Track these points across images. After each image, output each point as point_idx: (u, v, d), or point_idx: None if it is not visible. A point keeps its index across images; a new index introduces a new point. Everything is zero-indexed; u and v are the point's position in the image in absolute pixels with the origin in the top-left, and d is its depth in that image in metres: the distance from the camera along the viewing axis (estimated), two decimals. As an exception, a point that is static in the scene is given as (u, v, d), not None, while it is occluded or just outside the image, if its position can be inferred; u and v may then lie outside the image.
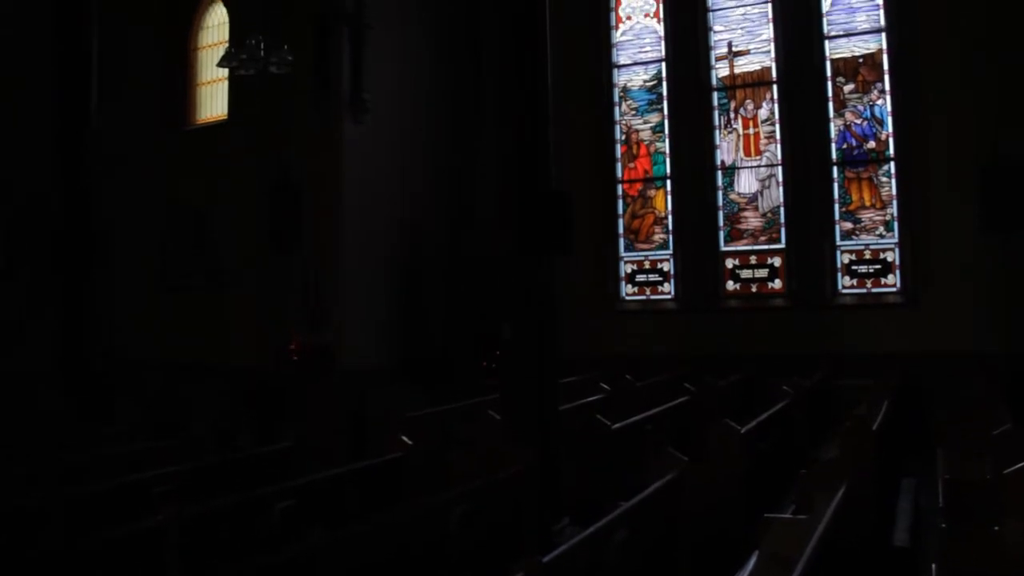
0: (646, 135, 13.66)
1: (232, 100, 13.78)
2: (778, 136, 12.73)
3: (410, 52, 13.23)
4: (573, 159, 11.90)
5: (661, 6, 13.60)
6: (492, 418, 7.82)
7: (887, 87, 12.10)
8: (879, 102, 12.17)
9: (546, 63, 7.46)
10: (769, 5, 12.83)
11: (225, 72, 13.00)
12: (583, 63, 13.55)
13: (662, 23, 13.58)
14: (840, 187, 12.30)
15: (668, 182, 13.39)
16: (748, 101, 12.97)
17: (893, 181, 12.00)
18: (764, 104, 12.86)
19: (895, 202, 11.97)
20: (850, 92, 12.32)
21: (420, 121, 13.29)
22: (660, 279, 13.38)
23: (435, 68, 13.65)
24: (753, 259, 12.78)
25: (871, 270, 12.02)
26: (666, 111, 13.47)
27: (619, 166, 13.74)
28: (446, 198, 13.66)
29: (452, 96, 13.86)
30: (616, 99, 13.83)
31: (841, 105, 12.35)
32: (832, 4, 12.49)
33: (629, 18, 13.87)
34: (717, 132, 13.10)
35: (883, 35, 12.17)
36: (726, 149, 13.07)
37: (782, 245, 12.64)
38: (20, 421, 9.40)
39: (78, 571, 4.11)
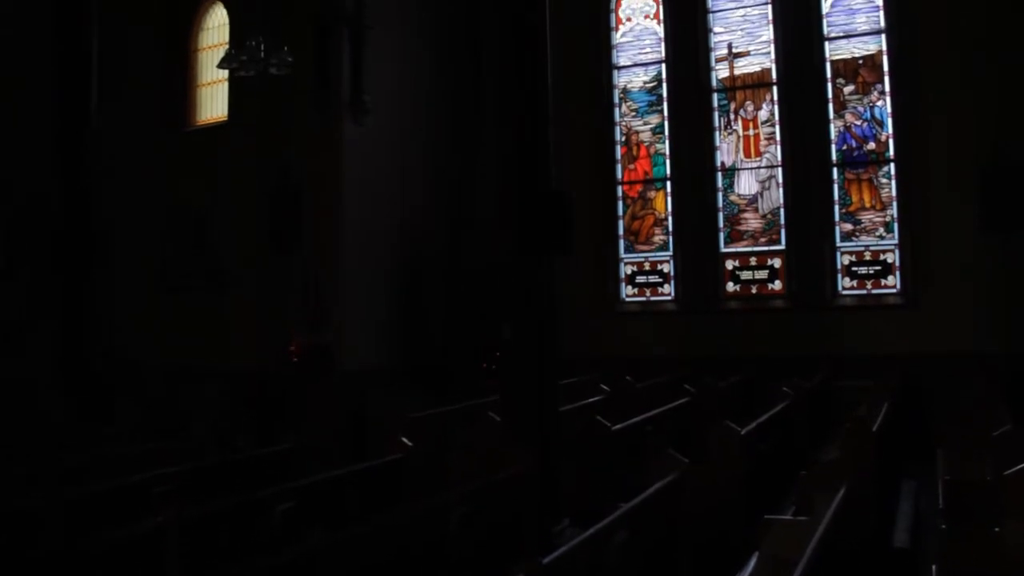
0: (646, 136, 13.66)
1: (232, 101, 13.77)
2: (778, 137, 12.73)
3: (410, 53, 13.23)
4: (573, 160, 11.91)
5: (661, 7, 13.60)
6: (492, 419, 7.82)
7: (887, 88, 12.10)
8: (879, 103, 12.18)
9: (546, 64, 7.46)
10: (769, 7, 12.84)
11: (225, 73, 12.99)
12: (583, 64, 13.55)
13: (662, 24, 13.58)
14: (840, 188, 12.31)
15: (668, 183, 13.39)
16: (748, 102, 12.97)
17: (893, 182, 12.00)
18: (764, 105, 12.87)
19: (895, 203, 11.97)
20: (850, 93, 12.33)
21: (420, 122, 13.29)
22: (660, 280, 13.38)
23: (435, 69, 13.65)
24: (753, 260, 12.78)
25: (871, 271, 12.02)
26: (666, 112, 13.47)
27: (619, 167, 13.75)
28: (446, 199, 13.66)
29: (452, 96, 13.86)
30: (616, 100, 13.83)
31: (841, 106, 12.36)
32: (832, 6, 12.49)
33: (629, 19, 13.88)
34: (717, 133, 13.11)
35: (883, 36, 12.17)
36: (726, 150, 13.07)
37: (782, 246, 12.64)
38: (20, 421, 9.40)
39: (78, 572, 4.11)
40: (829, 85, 12.38)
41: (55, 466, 6.54)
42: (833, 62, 12.41)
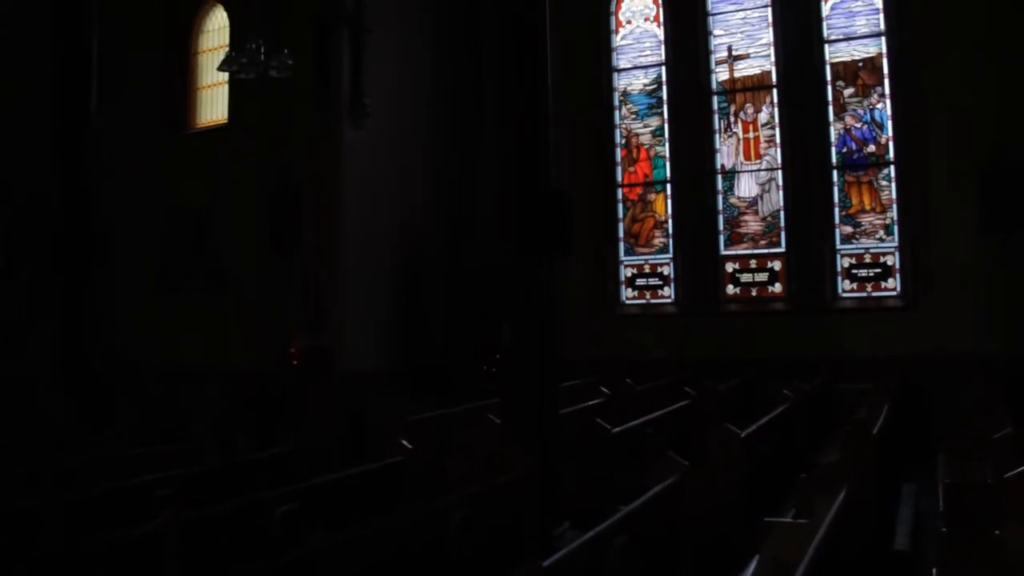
0: (646, 139, 13.67)
1: (232, 104, 13.79)
2: (778, 140, 12.73)
3: (410, 53, 13.24)
4: (573, 163, 11.90)
5: (661, 10, 13.61)
6: (492, 422, 7.82)
7: (887, 91, 12.11)
8: (879, 106, 12.18)
9: (546, 64, 7.46)
10: (769, 9, 12.85)
11: (225, 76, 13.00)
12: (583, 67, 13.56)
13: (662, 27, 13.59)
14: (840, 191, 12.31)
15: (668, 186, 13.39)
16: (748, 105, 12.98)
17: (893, 185, 12.01)
18: (764, 108, 12.87)
19: (895, 206, 11.97)
20: (850, 96, 12.34)
21: (420, 122, 13.30)
22: (660, 283, 13.38)
23: (435, 69, 13.66)
24: (753, 263, 12.78)
25: (871, 274, 12.03)
26: (666, 115, 13.48)
27: (619, 170, 13.75)
28: (446, 199, 13.67)
29: (452, 97, 13.87)
30: (616, 103, 13.84)
31: (841, 109, 12.36)
32: (832, 8, 12.50)
33: (629, 22, 13.88)
34: (717, 136, 13.11)
35: (883, 39, 12.18)
36: (726, 153, 13.08)
37: (782, 249, 12.64)
38: (20, 421, 9.40)
39: (77, 573, 4.11)
40: (829, 88, 12.39)
41: (55, 466, 6.53)
42: (833, 65, 12.42)
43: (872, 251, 12.08)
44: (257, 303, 12.63)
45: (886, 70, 12.13)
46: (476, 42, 13.87)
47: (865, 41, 12.31)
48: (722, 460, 6.05)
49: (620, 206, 13.69)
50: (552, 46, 7.56)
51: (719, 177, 13.07)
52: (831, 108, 12.38)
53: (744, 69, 13.04)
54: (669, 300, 13.30)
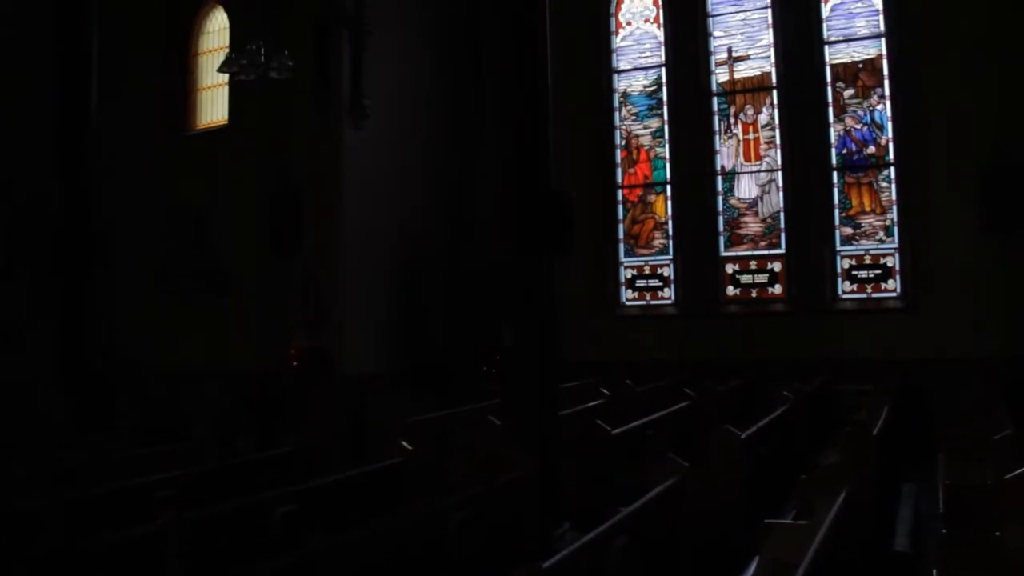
0: (646, 140, 13.67)
1: (232, 105, 13.79)
2: (778, 141, 12.74)
3: (410, 53, 13.25)
4: (573, 164, 11.90)
5: (661, 11, 13.61)
6: (492, 423, 7.82)
7: (887, 92, 12.11)
8: (879, 107, 12.19)
9: (546, 65, 7.46)
10: (769, 10, 12.85)
11: (225, 77, 13.00)
12: (583, 68, 13.56)
13: (662, 28, 13.59)
14: (840, 192, 12.31)
15: (668, 187, 13.40)
16: (748, 106, 12.98)
17: (893, 186, 12.01)
18: (764, 109, 12.88)
19: (895, 207, 11.98)
20: (850, 97, 12.34)
21: (420, 123, 13.30)
22: (660, 284, 13.38)
23: (435, 69, 13.66)
24: (753, 264, 12.79)
25: (871, 275, 12.03)
26: (666, 116, 13.48)
27: (619, 171, 13.75)
28: (446, 200, 13.67)
29: (452, 97, 13.88)
30: (616, 104, 13.84)
31: (841, 110, 12.37)
32: (832, 10, 12.51)
33: (629, 23, 13.89)
34: (717, 137, 13.12)
35: (883, 40, 12.19)
36: (726, 154, 13.08)
37: (782, 250, 12.65)
38: (20, 422, 9.40)
39: (78, 574, 4.11)
40: (829, 89, 12.39)
41: (55, 466, 6.53)
42: (833, 66, 12.42)
43: (872, 252, 12.08)
44: (257, 303, 12.63)
45: (886, 71, 12.14)
46: (476, 42, 13.88)
47: (865, 42, 12.32)
48: (722, 461, 6.05)
49: (620, 207, 13.69)
50: (552, 47, 7.56)
51: (719, 178, 13.07)
52: (831, 109, 12.38)
53: (744, 70, 13.05)
54: (669, 301, 13.30)
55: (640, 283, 13.49)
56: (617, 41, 13.92)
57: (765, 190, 12.82)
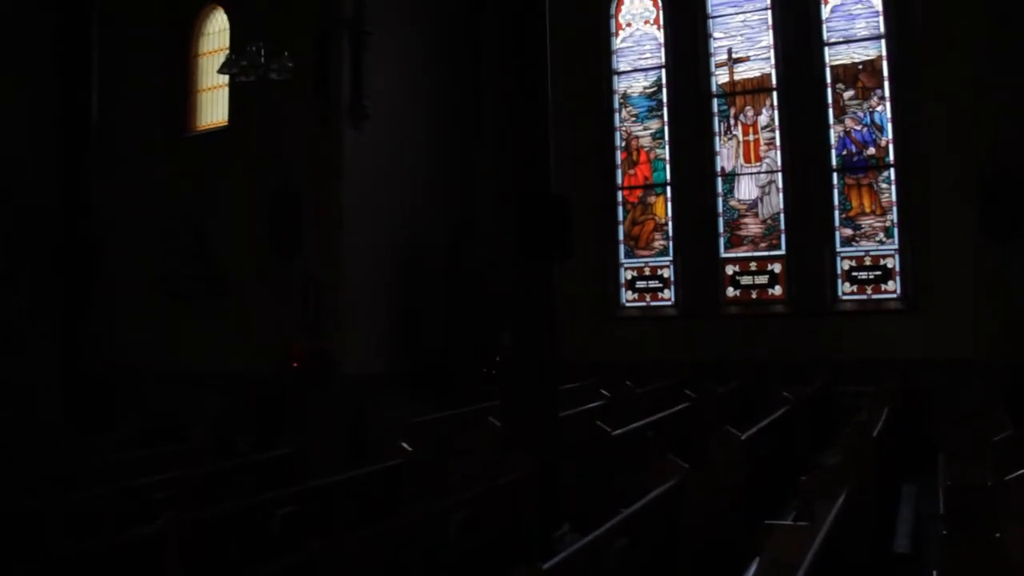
0: (646, 141, 13.67)
1: (233, 106, 13.80)
2: (778, 142, 12.74)
3: (410, 55, 13.25)
4: (573, 166, 11.89)
5: (661, 13, 13.62)
6: (492, 425, 7.81)
7: (887, 93, 12.12)
8: (879, 108, 12.19)
9: (546, 65, 7.46)
10: (769, 12, 12.86)
11: (225, 78, 13.01)
12: (583, 70, 13.56)
13: (662, 30, 13.60)
14: (840, 193, 12.31)
15: (668, 188, 13.40)
16: (748, 107, 12.99)
17: (893, 187, 12.01)
18: (764, 110, 12.88)
19: (895, 208, 11.97)
20: (850, 98, 12.34)
21: (420, 123, 13.31)
22: (660, 285, 13.37)
23: (435, 71, 13.67)
24: (753, 265, 12.79)
25: (871, 276, 12.02)
26: (666, 117, 13.49)
27: (619, 172, 13.75)
28: (446, 201, 13.66)
29: (452, 98, 13.88)
30: (616, 105, 13.84)
31: (841, 111, 12.37)
32: (832, 11, 12.51)
33: (629, 25, 13.89)
34: (717, 138, 13.12)
35: (882, 42, 12.19)
36: (726, 155, 13.08)
37: (782, 251, 12.64)
38: (20, 425, 9.41)
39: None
40: (829, 90, 12.39)
41: (55, 468, 6.53)
42: (833, 67, 12.43)
43: (872, 254, 12.08)
44: (257, 305, 12.62)
45: (886, 73, 12.14)
46: (476, 42, 13.89)
47: (865, 44, 12.32)
48: (722, 463, 6.05)
49: (620, 208, 13.69)
50: (552, 49, 7.56)
51: (719, 180, 13.07)
52: (831, 111, 12.38)
53: (744, 72, 13.05)
54: (669, 302, 13.30)
55: (640, 284, 13.49)
56: (617, 43, 13.93)
57: (765, 191, 12.83)
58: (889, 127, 12.09)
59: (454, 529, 4.93)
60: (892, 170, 12.03)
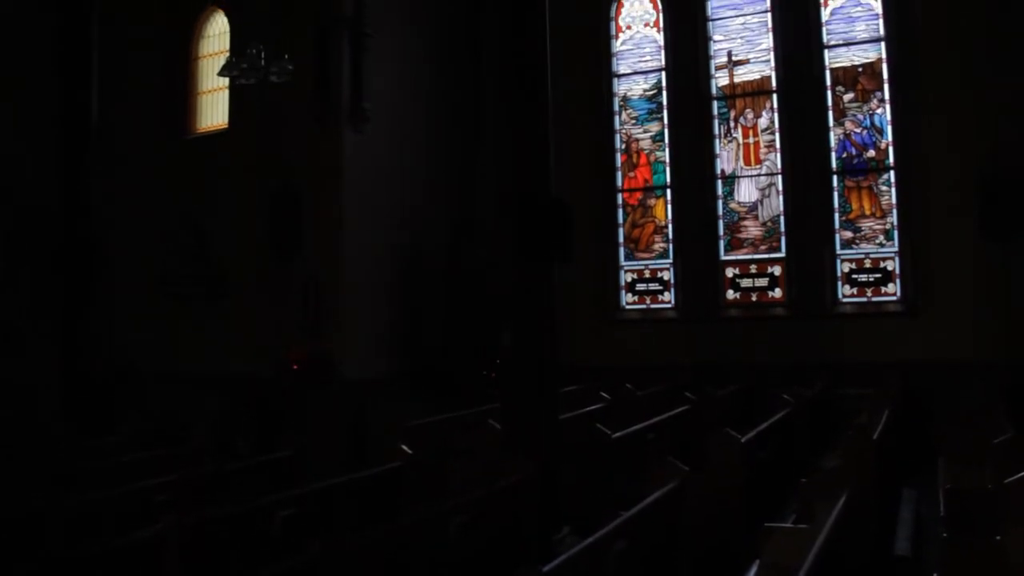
0: (646, 144, 13.68)
1: (233, 108, 13.80)
2: (778, 145, 12.74)
3: (410, 56, 13.26)
4: (573, 168, 11.89)
5: (661, 16, 13.63)
6: (492, 427, 7.81)
7: (886, 96, 12.12)
8: (879, 111, 12.20)
9: (546, 67, 7.47)
10: (769, 15, 12.87)
11: (226, 81, 13.02)
12: (583, 72, 13.56)
13: (662, 33, 13.61)
14: (840, 196, 12.32)
15: (668, 191, 13.40)
16: (748, 110, 12.99)
17: (893, 190, 12.01)
18: (764, 113, 12.89)
19: (895, 211, 11.98)
20: (849, 101, 12.35)
21: (420, 124, 13.31)
22: (660, 288, 13.37)
23: (435, 71, 13.67)
24: (753, 268, 12.79)
25: (871, 279, 12.03)
26: (666, 120, 13.49)
27: (619, 175, 13.75)
28: (446, 202, 13.66)
29: (452, 99, 13.88)
30: (616, 108, 13.85)
31: (841, 114, 12.38)
32: (831, 14, 12.52)
33: (629, 27, 13.90)
34: (717, 141, 13.12)
35: (882, 44, 12.20)
36: (726, 158, 13.09)
37: (782, 254, 12.64)
38: (20, 426, 9.40)
39: (78, 579, 4.11)
40: (829, 93, 12.40)
41: (55, 470, 6.53)
42: (833, 70, 12.43)
43: (872, 256, 12.08)
44: (257, 307, 12.62)
45: (885, 75, 12.15)
46: (476, 43, 13.90)
47: (865, 46, 12.33)
48: (722, 465, 6.05)
49: (620, 211, 13.69)
50: (552, 51, 7.57)
51: (719, 182, 13.07)
52: (831, 113, 12.39)
53: (744, 74, 13.06)
54: (669, 305, 13.29)
55: (640, 287, 13.49)
56: (617, 45, 13.94)
57: (765, 194, 12.83)
58: (889, 129, 12.09)
59: (454, 531, 4.93)
60: (892, 172, 12.03)
